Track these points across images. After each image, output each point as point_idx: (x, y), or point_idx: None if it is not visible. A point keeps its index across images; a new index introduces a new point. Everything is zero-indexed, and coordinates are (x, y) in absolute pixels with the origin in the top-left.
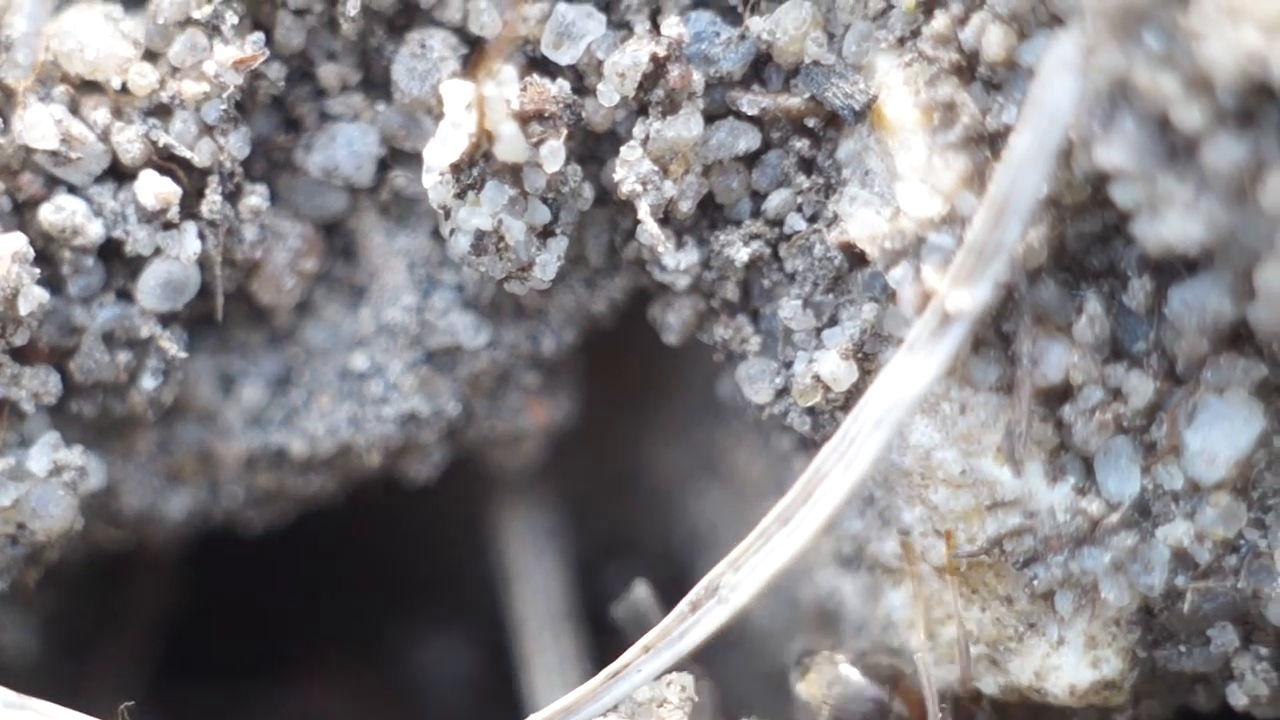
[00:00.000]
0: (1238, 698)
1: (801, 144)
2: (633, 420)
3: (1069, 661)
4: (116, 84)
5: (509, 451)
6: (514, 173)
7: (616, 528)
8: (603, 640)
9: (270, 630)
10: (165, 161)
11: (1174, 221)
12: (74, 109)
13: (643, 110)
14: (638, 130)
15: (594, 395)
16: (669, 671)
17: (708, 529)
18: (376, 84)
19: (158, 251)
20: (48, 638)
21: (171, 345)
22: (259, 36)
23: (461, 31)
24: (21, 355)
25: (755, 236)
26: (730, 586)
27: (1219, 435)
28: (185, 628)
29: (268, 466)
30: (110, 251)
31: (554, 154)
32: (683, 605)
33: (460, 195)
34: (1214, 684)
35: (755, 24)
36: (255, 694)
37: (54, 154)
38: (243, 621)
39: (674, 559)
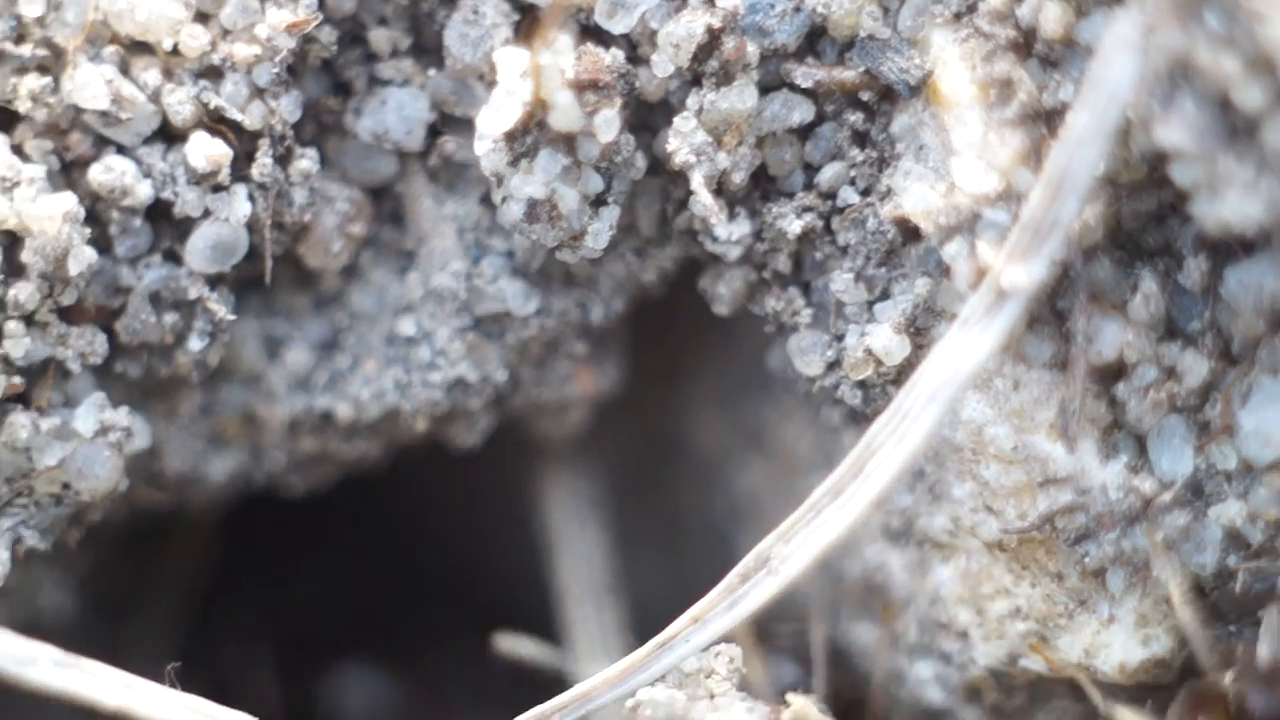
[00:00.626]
0: None
1: (855, 117)
2: (679, 391)
3: (1119, 639)
4: (167, 45)
5: (555, 420)
6: (568, 141)
7: (659, 499)
8: (644, 613)
9: (317, 595)
10: (216, 124)
11: (1233, 202)
12: (124, 70)
13: (696, 81)
14: (691, 101)
15: (641, 365)
16: (717, 643)
17: (750, 502)
18: (428, 49)
19: (207, 213)
20: (85, 598)
21: (219, 307)
22: (311, 0)
23: None
24: (69, 315)
25: (808, 209)
26: (780, 558)
27: (1273, 416)
28: (222, 589)
29: (312, 430)
30: (158, 213)
31: (608, 123)
32: (732, 576)
33: (513, 163)
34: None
35: None
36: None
37: (104, 114)
38: (286, 586)
39: (715, 532)
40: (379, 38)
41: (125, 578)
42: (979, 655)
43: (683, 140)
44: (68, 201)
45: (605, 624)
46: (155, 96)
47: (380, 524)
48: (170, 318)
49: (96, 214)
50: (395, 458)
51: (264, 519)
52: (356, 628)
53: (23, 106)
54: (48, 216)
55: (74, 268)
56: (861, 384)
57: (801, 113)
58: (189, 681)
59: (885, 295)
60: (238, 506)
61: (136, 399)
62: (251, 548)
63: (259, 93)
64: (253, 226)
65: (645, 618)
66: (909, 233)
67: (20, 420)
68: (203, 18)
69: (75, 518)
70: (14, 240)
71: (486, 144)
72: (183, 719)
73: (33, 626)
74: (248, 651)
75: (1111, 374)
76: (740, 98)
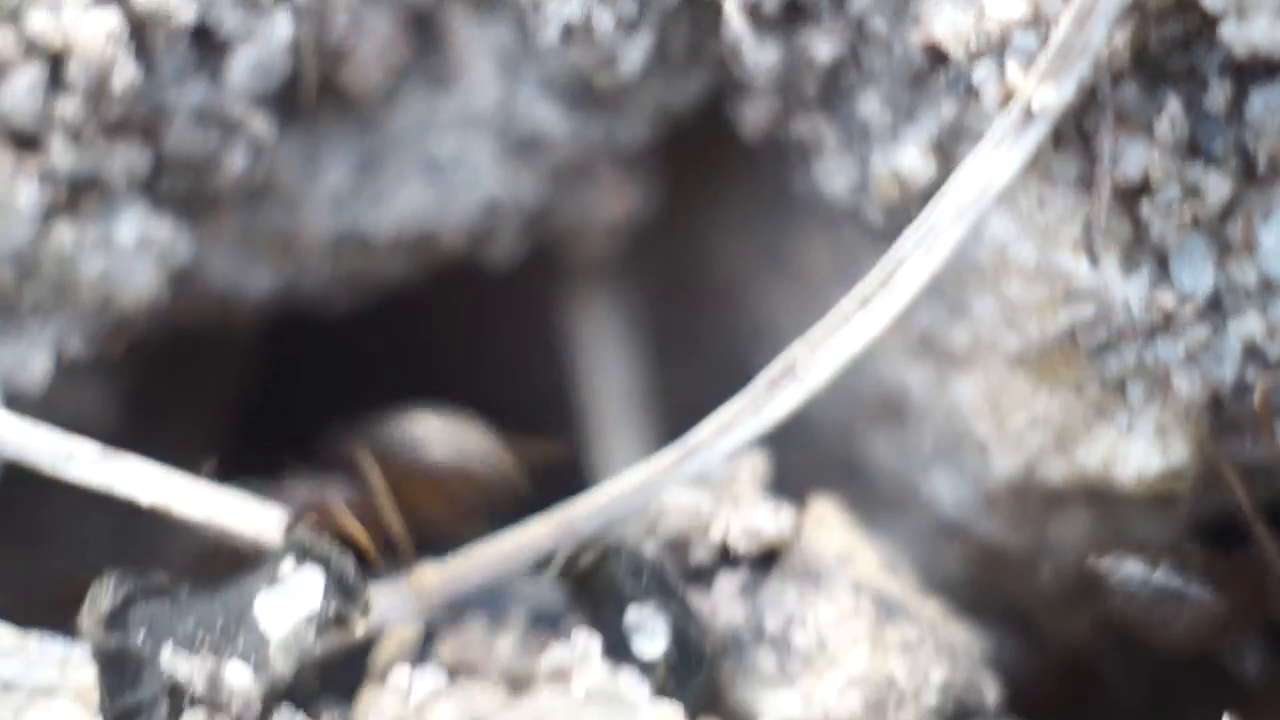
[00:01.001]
0: None
1: None
2: (708, 215)
3: (1138, 448)
4: None
5: (587, 243)
6: None
7: (686, 323)
8: (671, 432)
9: (350, 410)
10: None
11: (1262, 25)
12: None
13: None
14: None
15: (673, 189)
16: (742, 449)
17: (771, 324)
18: None
19: (249, 36)
20: (128, 413)
21: (261, 127)
22: None
23: None
24: (114, 132)
25: (837, 35)
26: (807, 366)
27: None
28: (265, 406)
29: (350, 250)
30: (203, 35)
31: None
32: (758, 383)
33: None
34: (1275, 478)
35: None
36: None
37: None
38: (322, 403)
39: (737, 355)
40: None
41: (168, 393)
42: (996, 466)
43: None
44: (112, 19)
45: (632, 436)
46: None
47: (416, 348)
48: (214, 136)
49: (143, 38)
50: (433, 282)
51: (304, 342)
52: None
53: None
54: (91, 34)
55: (118, 84)
56: (886, 205)
57: None
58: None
59: (912, 118)
60: (280, 328)
61: (180, 216)
62: (292, 370)
63: None
64: (294, 50)
65: (672, 436)
66: (937, 57)
67: (65, 231)
68: None
69: (118, 328)
70: (60, 58)
71: None
72: (219, 514)
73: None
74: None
75: (1135, 193)
76: None
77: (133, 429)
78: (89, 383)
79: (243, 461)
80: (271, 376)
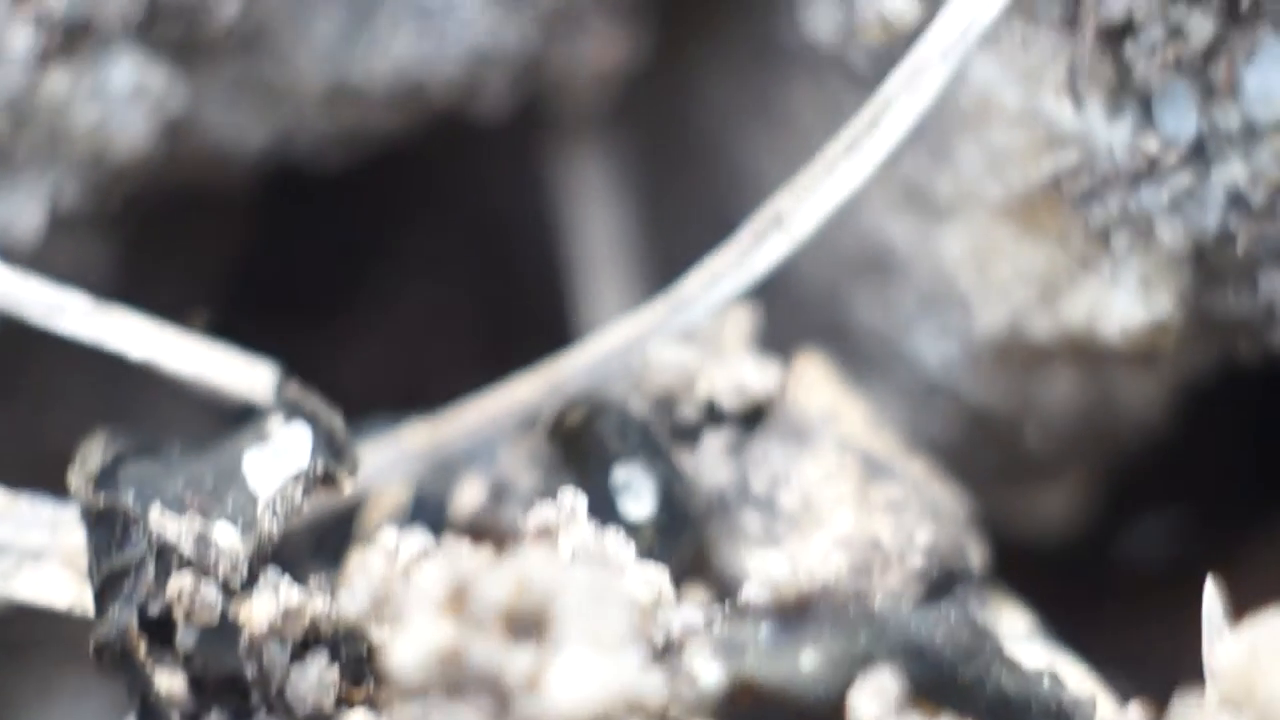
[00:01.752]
0: None
1: None
2: (696, 65)
3: (1122, 300)
4: None
5: (577, 93)
6: None
7: (672, 173)
8: (659, 281)
9: (349, 270)
10: None
11: None
12: None
13: None
14: None
15: (662, 38)
16: (730, 302)
17: (755, 173)
18: None
19: None
20: (124, 267)
21: None
22: None
23: None
24: None
25: None
26: (793, 216)
27: (1276, 75)
28: (264, 266)
29: (344, 101)
30: None
31: None
32: (744, 234)
33: None
34: (1257, 333)
35: None
36: (333, 325)
37: None
38: (321, 261)
39: (722, 203)
40: None
41: (163, 253)
42: (980, 322)
43: None
44: None
45: (622, 289)
46: None
47: (409, 205)
48: None
49: None
50: (425, 136)
51: (299, 200)
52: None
53: None
54: None
55: None
56: (871, 49)
57: None
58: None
59: None
60: (275, 186)
61: (174, 64)
62: (288, 229)
63: None
64: None
65: (662, 290)
66: None
67: (59, 78)
68: None
69: (114, 181)
70: None
71: None
72: (208, 370)
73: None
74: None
75: (1119, 33)
76: None
77: (129, 286)
78: (85, 238)
79: (238, 322)
80: (267, 236)
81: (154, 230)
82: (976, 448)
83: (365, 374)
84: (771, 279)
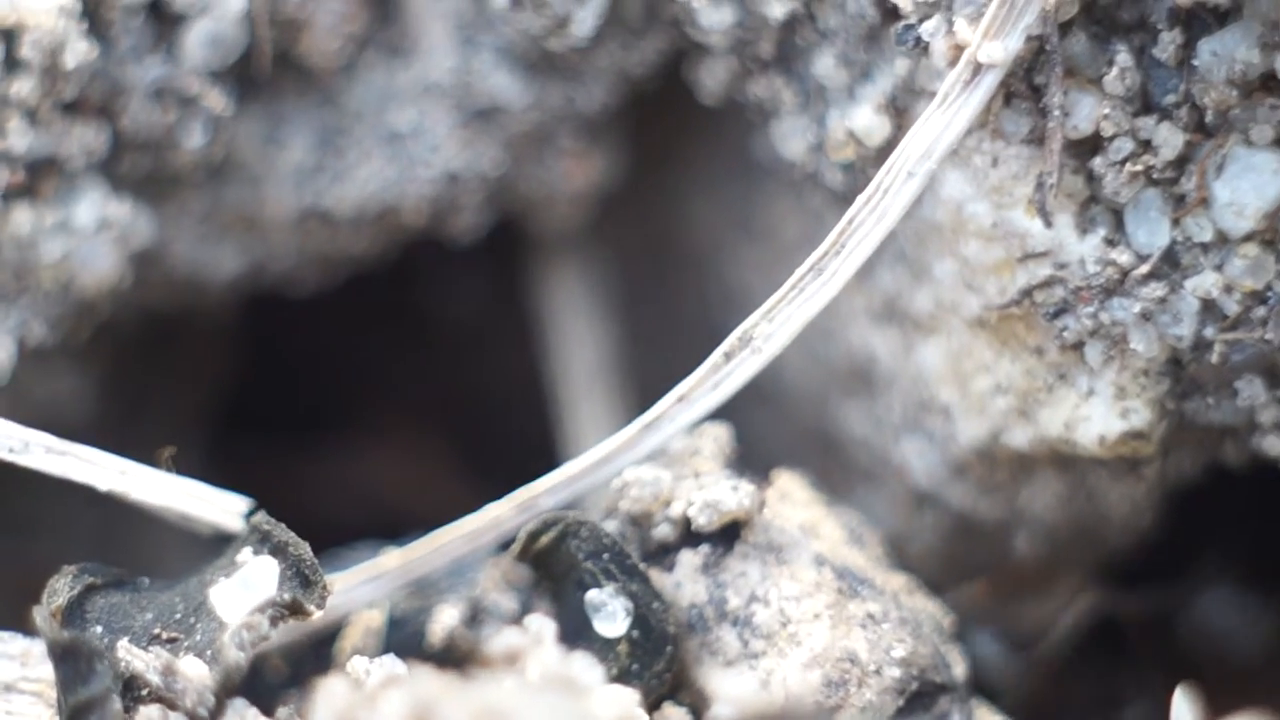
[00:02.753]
0: (1275, 445)
1: None
2: (673, 182)
3: (1098, 412)
4: None
5: (550, 213)
6: None
7: (657, 291)
8: (644, 399)
9: (328, 392)
10: None
11: None
12: None
13: None
14: None
15: (636, 157)
16: (703, 421)
17: (742, 289)
18: None
19: (204, 10)
20: (105, 394)
21: (219, 102)
22: None
23: None
24: (70, 111)
25: None
26: (764, 336)
27: (1247, 187)
28: (243, 389)
29: (316, 226)
30: (157, 10)
31: None
32: (716, 355)
33: None
34: (1242, 437)
35: None
36: (314, 448)
37: None
38: (300, 383)
39: (710, 321)
40: None
41: (145, 376)
42: (962, 434)
43: None
44: None
45: (605, 410)
46: None
47: (388, 323)
48: (172, 114)
49: (97, 16)
50: (402, 257)
51: (281, 320)
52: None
53: None
54: (44, 10)
55: (70, 61)
56: (844, 166)
57: None
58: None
59: (867, 77)
60: (257, 308)
61: (142, 197)
62: (272, 349)
63: None
64: (248, 22)
65: (644, 406)
66: (888, 13)
67: (24, 214)
68: None
69: (82, 312)
70: (12, 36)
71: None
72: (175, 500)
73: (52, 424)
74: (265, 445)
75: (1088, 148)
76: None
77: (114, 414)
78: (63, 369)
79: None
80: (252, 356)
81: (134, 357)
82: (967, 555)
83: (348, 494)
84: (764, 393)
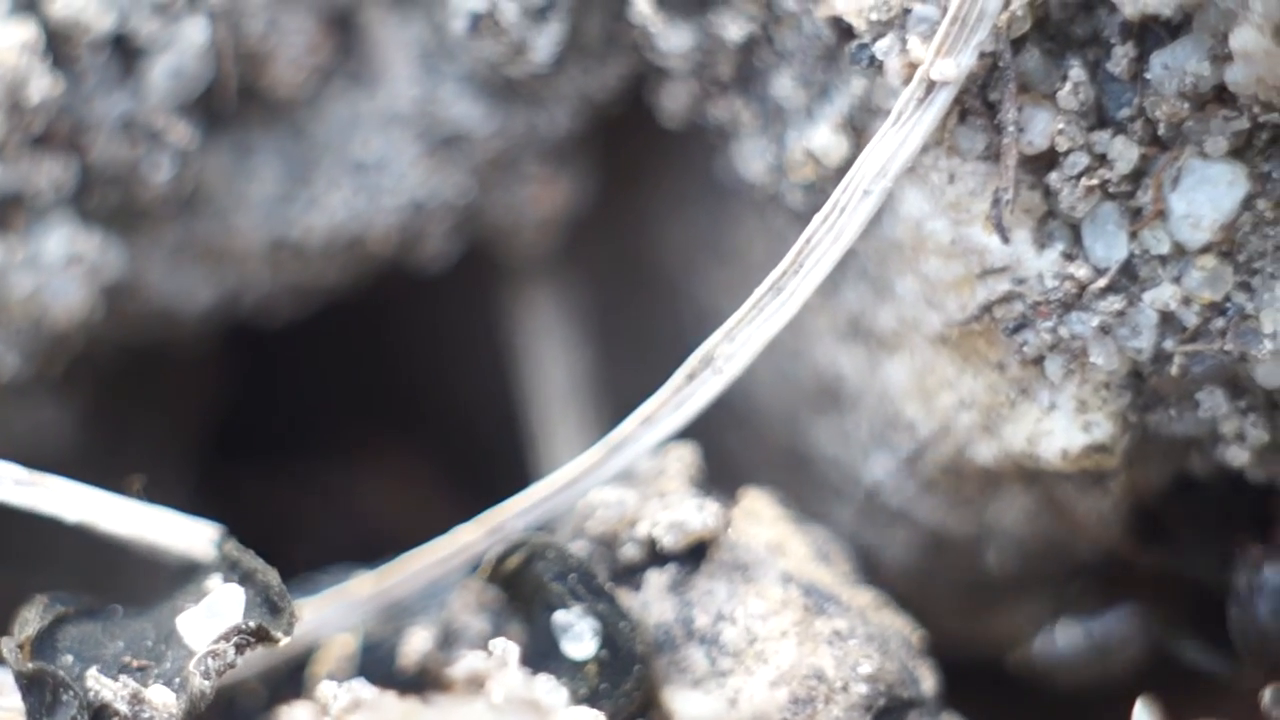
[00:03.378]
0: (1237, 456)
1: None
2: (643, 205)
3: (1060, 425)
4: None
5: (519, 240)
6: None
7: (628, 315)
8: (618, 421)
9: (311, 419)
10: None
11: None
12: None
13: None
14: None
15: (604, 181)
16: (667, 442)
17: (713, 310)
18: None
19: (167, 44)
20: (88, 426)
21: (184, 135)
22: None
23: None
24: (37, 146)
25: (748, 17)
26: (725, 356)
27: (1203, 199)
28: (223, 421)
29: (287, 257)
30: (121, 44)
31: None
32: (679, 376)
33: None
34: (1205, 448)
35: None
36: (297, 475)
37: None
38: (280, 411)
39: (683, 340)
40: None
41: (128, 411)
42: (928, 450)
43: None
44: (26, 31)
45: (578, 434)
46: None
47: (365, 352)
48: (138, 147)
49: (61, 50)
50: (374, 286)
51: (259, 350)
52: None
53: None
54: (5, 47)
55: (35, 95)
56: (804, 186)
57: None
58: (203, 506)
59: (825, 97)
60: (235, 338)
61: (110, 230)
62: (252, 378)
63: None
64: (214, 56)
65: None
66: (843, 32)
67: None
68: None
69: (54, 347)
70: None
71: None
72: (146, 530)
73: (34, 456)
74: (249, 474)
75: (1044, 163)
76: None
77: (97, 445)
78: (42, 402)
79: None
80: (235, 385)
81: (114, 388)
82: (937, 571)
83: (325, 521)
84: (737, 413)
